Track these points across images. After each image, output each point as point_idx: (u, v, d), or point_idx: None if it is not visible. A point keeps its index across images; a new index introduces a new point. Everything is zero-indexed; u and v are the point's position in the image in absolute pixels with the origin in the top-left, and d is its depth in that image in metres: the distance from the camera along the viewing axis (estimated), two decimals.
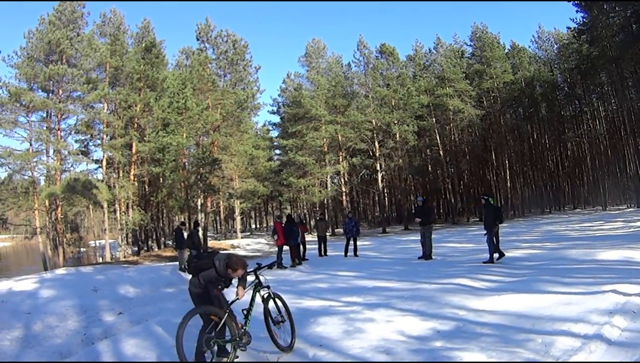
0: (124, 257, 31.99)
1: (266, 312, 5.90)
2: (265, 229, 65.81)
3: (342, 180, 46.18)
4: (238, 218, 50.63)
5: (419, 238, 16.03)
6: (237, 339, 5.29)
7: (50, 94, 31.48)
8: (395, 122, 43.78)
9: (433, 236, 15.91)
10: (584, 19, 39.03)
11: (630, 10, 33.59)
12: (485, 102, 47.79)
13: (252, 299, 5.78)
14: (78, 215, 40.58)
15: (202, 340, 5.09)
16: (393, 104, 44.46)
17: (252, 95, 39.65)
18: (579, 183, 52.57)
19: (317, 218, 29.98)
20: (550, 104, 48.97)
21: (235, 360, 5.48)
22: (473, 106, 45.84)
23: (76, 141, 36.07)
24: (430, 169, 50.69)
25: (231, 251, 29.23)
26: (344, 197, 46.27)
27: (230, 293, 5.60)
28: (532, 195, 52.21)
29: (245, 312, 5.66)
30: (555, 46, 50.81)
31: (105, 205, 32.73)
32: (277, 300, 6.14)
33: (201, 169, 32.59)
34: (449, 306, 7.43)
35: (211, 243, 35.66)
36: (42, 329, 9.79)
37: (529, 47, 52.89)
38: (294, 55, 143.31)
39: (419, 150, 49.30)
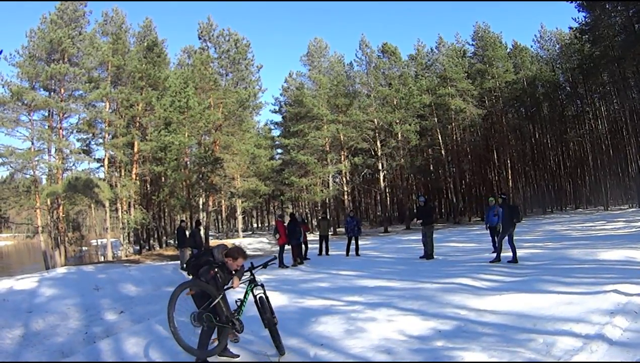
0: (126, 256, 32.06)
1: (259, 307, 5.78)
2: (267, 228, 65.89)
3: (344, 179, 46.18)
4: (240, 218, 50.79)
5: (421, 237, 16.02)
6: (230, 324, 5.30)
7: (52, 93, 31.50)
8: (397, 121, 43.76)
9: (435, 236, 15.90)
10: (586, 19, 38.97)
11: (633, 9, 33.51)
12: (487, 102, 47.68)
13: (246, 293, 5.76)
14: (80, 214, 40.60)
15: (194, 315, 5.10)
16: (395, 103, 44.43)
17: (254, 94, 39.61)
18: (580, 183, 52.45)
19: (319, 217, 29.95)
20: (552, 104, 48.89)
21: (236, 359, 5.49)
22: (475, 106, 45.76)
23: (78, 140, 36.29)
24: (432, 168, 50.71)
25: None
26: (345, 197, 46.26)
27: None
28: (534, 194, 52.11)
29: (238, 302, 5.63)
30: (557, 46, 50.66)
31: (107, 204, 32.78)
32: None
33: (203, 168, 32.64)
34: (450, 306, 7.42)
35: (213, 242, 35.65)
36: (44, 328, 9.80)
37: (531, 46, 52.75)
38: (296, 55, 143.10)
39: (421, 150, 49.27)
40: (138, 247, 36.54)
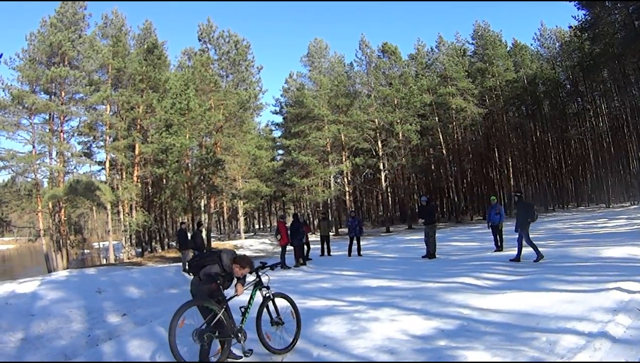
0: (128, 259, 32.08)
1: (260, 312, 5.83)
2: (269, 229, 65.93)
3: (346, 179, 46.21)
4: (242, 219, 50.78)
5: (423, 237, 16.03)
6: (232, 336, 5.29)
7: (53, 96, 31.53)
8: (398, 121, 43.76)
9: (437, 235, 15.92)
10: (586, 17, 38.92)
11: (632, 7, 33.48)
12: (487, 101, 47.65)
13: (251, 298, 5.76)
14: (81, 216, 40.63)
15: (195, 333, 5.09)
16: (395, 103, 44.44)
17: (255, 96, 39.65)
18: (582, 181, 52.40)
19: (320, 217, 29.97)
20: (552, 102, 48.85)
21: (238, 360, 5.48)
22: (476, 104, 45.73)
23: (79, 143, 36.31)
24: (433, 167, 50.71)
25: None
26: (347, 197, 46.34)
27: (230, 291, 5.60)
28: (536, 193, 52.00)
29: (242, 309, 5.64)
30: (558, 44, 50.62)
31: (108, 206, 32.81)
32: (278, 301, 6.07)
33: (204, 169, 32.63)
34: (453, 305, 7.42)
35: (215, 244, 35.71)
36: (46, 331, 9.81)
37: (531, 45, 52.71)
38: (296, 55, 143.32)
39: (422, 149, 49.27)
40: (140, 250, 36.54)
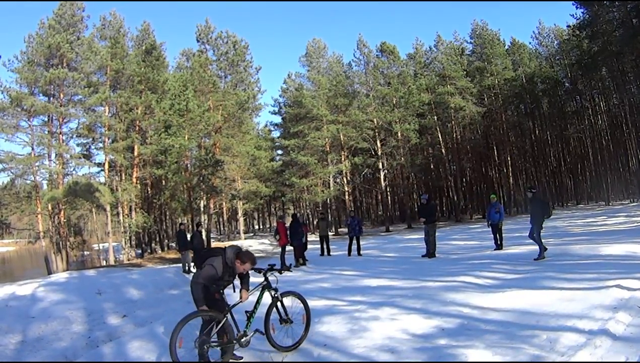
0: (128, 260, 32.09)
1: (269, 312, 5.84)
2: (268, 230, 65.92)
3: (345, 179, 46.25)
4: (241, 219, 50.76)
5: (423, 236, 16.03)
6: (234, 342, 5.29)
7: (52, 98, 31.56)
8: (397, 120, 43.77)
9: (436, 234, 15.91)
10: (584, 15, 38.93)
11: (630, 4, 33.50)
12: (486, 99, 47.66)
13: (258, 302, 5.77)
14: (81, 218, 40.57)
15: (196, 341, 5.09)
16: (394, 102, 44.44)
17: (253, 96, 39.70)
18: (581, 179, 52.39)
19: (319, 217, 29.99)
20: (551, 100, 48.84)
21: (240, 361, 5.49)
22: (474, 103, 45.72)
23: (78, 145, 36.29)
24: (432, 166, 50.75)
25: None
26: (346, 197, 46.38)
27: (234, 295, 5.60)
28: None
29: (248, 314, 5.65)
30: (556, 42, 50.63)
31: (108, 208, 32.83)
32: (292, 301, 6.12)
33: (203, 170, 32.63)
34: (453, 304, 7.42)
35: (214, 244, 35.66)
36: (46, 333, 9.79)
37: (530, 43, 52.71)
38: (295, 56, 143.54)
39: (421, 149, 49.25)
40: (140, 251, 36.55)
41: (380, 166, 45.12)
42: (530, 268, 10.62)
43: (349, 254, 18.96)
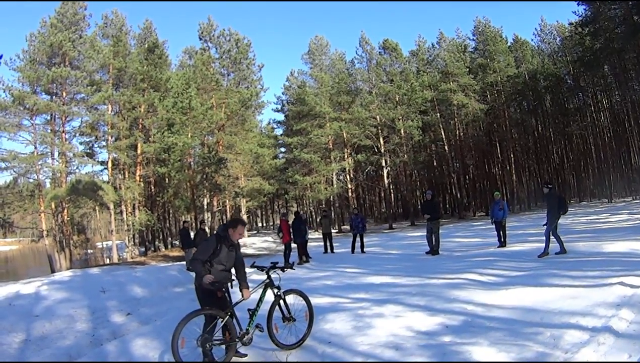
0: (131, 258, 32.09)
1: (271, 310, 5.86)
2: (272, 227, 65.88)
3: (348, 177, 46.27)
4: (244, 217, 50.71)
5: (426, 233, 16.01)
6: (236, 340, 5.32)
7: (54, 97, 31.58)
8: (400, 117, 43.77)
9: (440, 231, 15.89)
10: (586, 12, 38.83)
11: (632, 1, 33.42)
12: (489, 96, 47.62)
13: (260, 299, 5.79)
14: (84, 216, 40.70)
15: (198, 339, 5.10)
16: (397, 99, 44.43)
17: (256, 94, 39.62)
18: (584, 176, 52.16)
19: (321, 215, 30.00)
20: (554, 97, 48.66)
21: (244, 358, 5.51)
22: (477, 100, 45.70)
23: (81, 143, 36.37)
24: (435, 164, 50.72)
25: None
26: (350, 194, 46.38)
27: (236, 295, 5.61)
28: (538, 188, 51.91)
29: (250, 312, 5.67)
30: (558, 39, 50.46)
31: (111, 206, 32.85)
32: (294, 298, 6.15)
33: (207, 168, 32.62)
34: (457, 301, 7.44)
35: None
36: (50, 331, 9.84)
37: (532, 40, 52.56)
38: (297, 53, 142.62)
39: (424, 146, 49.23)
40: (143, 249, 36.61)
41: (383, 163, 45.15)
42: (534, 265, 10.62)
43: (352, 252, 18.98)
